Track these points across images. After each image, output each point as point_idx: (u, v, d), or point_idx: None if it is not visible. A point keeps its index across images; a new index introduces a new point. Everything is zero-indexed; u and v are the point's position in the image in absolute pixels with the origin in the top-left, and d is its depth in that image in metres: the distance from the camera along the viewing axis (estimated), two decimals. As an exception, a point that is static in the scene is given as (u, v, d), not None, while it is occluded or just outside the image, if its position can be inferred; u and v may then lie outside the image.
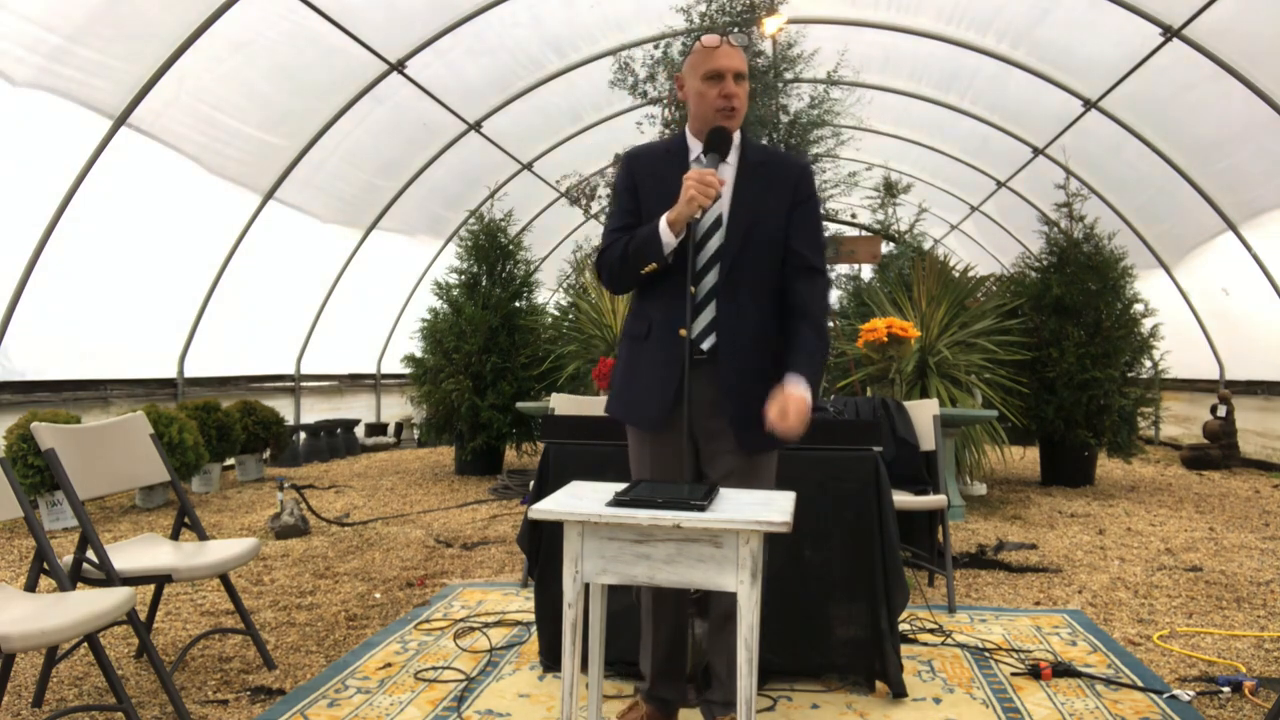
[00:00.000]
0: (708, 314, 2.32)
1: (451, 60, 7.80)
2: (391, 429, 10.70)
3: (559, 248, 12.38)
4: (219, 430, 6.96)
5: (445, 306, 8.16)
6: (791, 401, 2.16)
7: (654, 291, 2.36)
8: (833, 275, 8.47)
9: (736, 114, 2.32)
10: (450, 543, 5.18)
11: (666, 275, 2.31)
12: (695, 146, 2.39)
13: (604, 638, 2.23)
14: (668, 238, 2.25)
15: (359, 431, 10.07)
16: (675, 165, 2.37)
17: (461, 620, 3.66)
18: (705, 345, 2.32)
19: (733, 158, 2.38)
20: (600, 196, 8.18)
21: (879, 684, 2.91)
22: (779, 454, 2.46)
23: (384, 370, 11.01)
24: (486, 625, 3.57)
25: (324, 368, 9.76)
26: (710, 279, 2.33)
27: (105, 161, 6.02)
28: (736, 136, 2.39)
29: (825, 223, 8.07)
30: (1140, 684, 2.95)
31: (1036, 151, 9.51)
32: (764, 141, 7.61)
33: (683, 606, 2.52)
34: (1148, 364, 7.40)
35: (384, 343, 10.82)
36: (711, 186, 2.19)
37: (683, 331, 2.28)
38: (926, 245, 9.19)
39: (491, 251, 8.27)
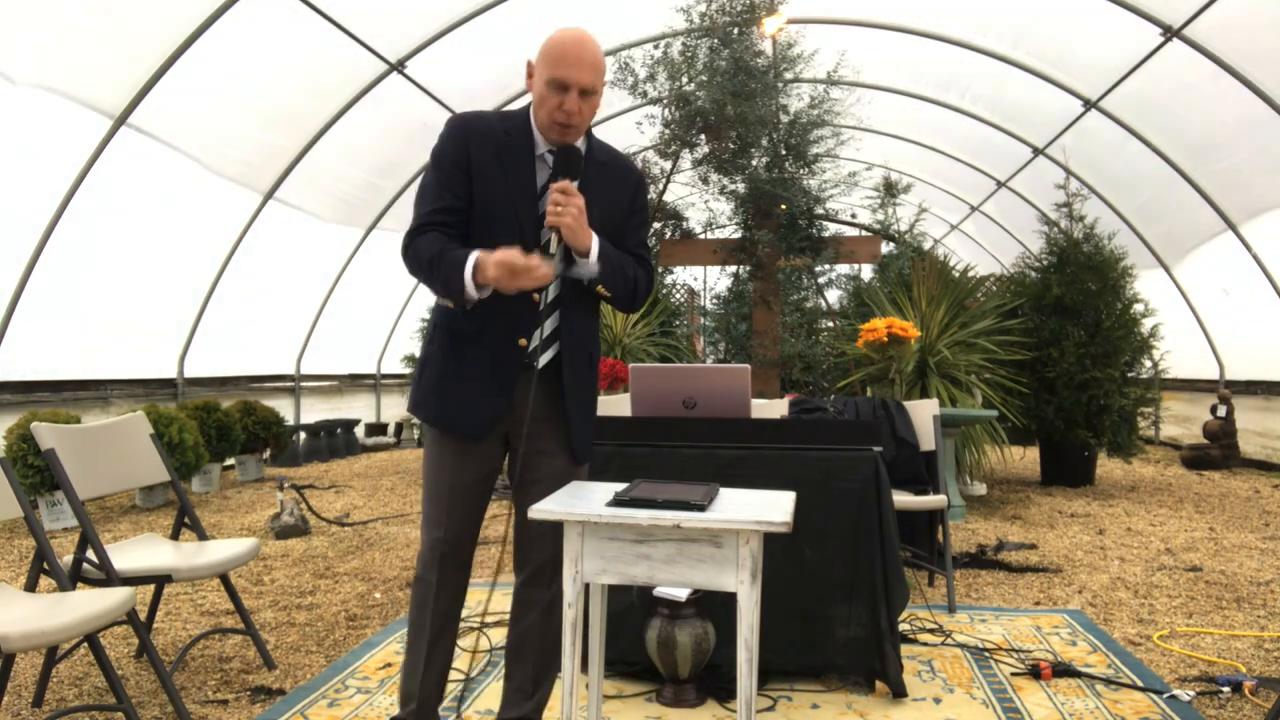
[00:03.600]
0: (550, 324, 2.23)
1: (451, 60, 7.81)
2: (391, 429, 10.70)
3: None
4: (219, 430, 6.96)
5: (445, 306, 8.16)
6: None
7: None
8: (833, 275, 8.46)
9: (573, 130, 2.15)
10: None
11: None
12: (540, 142, 2.20)
13: (604, 638, 2.23)
14: (471, 292, 2.04)
15: (359, 431, 10.07)
16: (516, 155, 2.19)
17: (461, 620, 3.66)
18: (545, 357, 2.24)
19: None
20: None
21: (879, 684, 2.91)
22: (778, 453, 2.46)
23: (384, 370, 11.01)
24: (486, 625, 3.57)
25: (324, 368, 9.75)
26: (553, 289, 2.21)
27: (105, 161, 6.02)
28: (581, 142, 2.24)
29: (825, 222, 8.09)
30: (1140, 684, 2.95)
31: (1036, 151, 9.51)
32: (764, 142, 7.61)
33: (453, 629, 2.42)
34: (1148, 364, 7.40)
35: (384, 343, 10.82)
36: (533, 277, 2.00)
37: (522, 341, 2.20)
38: (926, 245, 9.20)
39: (491, 251, 8.26)
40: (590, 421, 2.35)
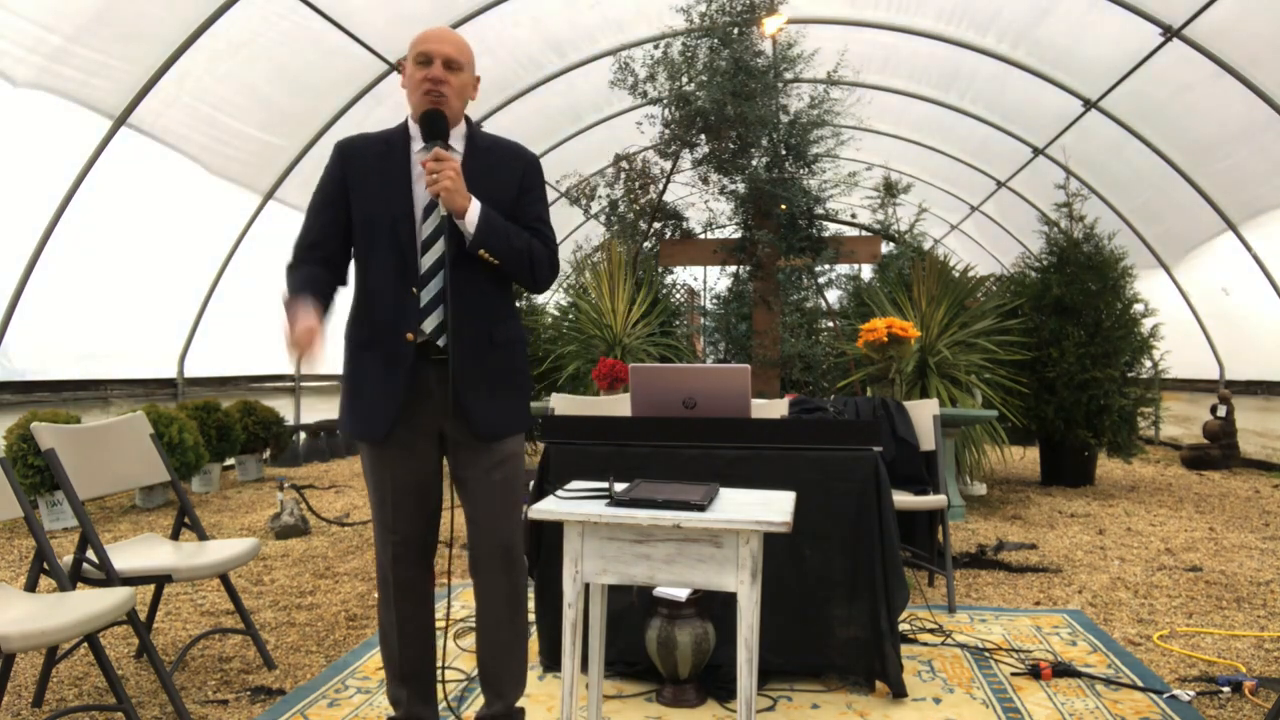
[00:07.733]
0: (432, 304, 2.27)
1: (451, 60, 7.82)
2: (391, 429, 10.68)
3: (559, 247, 12.38)
4: (219, 430, 6.96)
5: (445, 306, 8.15)
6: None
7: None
8: (833, 275, 8.46)
9: (444, 99, 2.22)
10: (450, 543, 5.18)
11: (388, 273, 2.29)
12: (418, 139, 2.27)
13: (604, 638, 2.23)
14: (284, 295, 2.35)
15: (359, 431, 10.05)
16: (395, 160, 2.26)
17: (461, 620, 3.66)
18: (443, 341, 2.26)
19: (459, 145, 2.31)
20: (600, 197, 8.18)
21: (879, 684, 2.91)
22: (778, 453, 2.45)
23: (384, 370, 10.99)
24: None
25: (324, 367, 9.74)
26: (431, 263, 2.26)
27: (105, 161, 6.02)
28: (462, 126, 2.32)
29: (825, 222, 8.07)
30: (1140, 684, 2.95)
31: (1036, 151, 9.51)
32: (764, 142, 7.61)
33: (427, 619, 2.41)
34: (1148, 364, 7.40)
35: (384, 343, 10.81)
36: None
37: (410, 335, 2.26)
38: (926, 245, 9.18)
39: (491, 251, 8.25)
40: (501, 396, 2.28)
